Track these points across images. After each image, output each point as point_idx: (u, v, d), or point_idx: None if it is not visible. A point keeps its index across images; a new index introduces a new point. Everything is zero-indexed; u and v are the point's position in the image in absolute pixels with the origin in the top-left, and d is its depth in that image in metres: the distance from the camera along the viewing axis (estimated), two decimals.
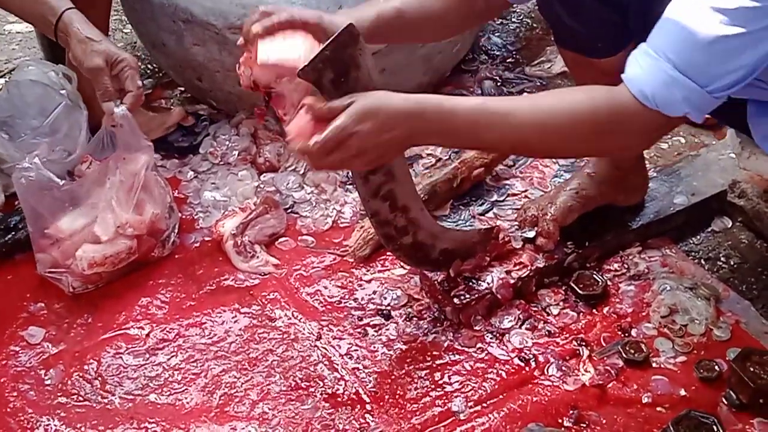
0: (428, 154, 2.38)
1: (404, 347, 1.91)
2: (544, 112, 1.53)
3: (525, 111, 1.53)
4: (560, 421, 1.75)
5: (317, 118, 1.50)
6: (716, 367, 1.81)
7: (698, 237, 2.15)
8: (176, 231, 2.18)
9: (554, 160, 2.35)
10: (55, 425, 1.79)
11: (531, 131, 1.53)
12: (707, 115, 1.81)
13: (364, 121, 1.48)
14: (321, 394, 1.83)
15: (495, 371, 1.85)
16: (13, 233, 2.15)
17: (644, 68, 1.47)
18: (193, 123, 2.50)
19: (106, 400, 1.84)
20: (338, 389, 1.83)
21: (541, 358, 1.87)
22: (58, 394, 1.85)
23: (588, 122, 1.51)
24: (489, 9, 1.91)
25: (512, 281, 1.97)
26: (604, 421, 1.75)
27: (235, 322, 2.00)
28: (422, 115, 1.51)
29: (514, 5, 1.84)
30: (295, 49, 1.62)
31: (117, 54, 1.95)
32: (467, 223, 2.19)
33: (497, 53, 2.84)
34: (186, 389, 1.85)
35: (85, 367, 1.90)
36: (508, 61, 2.80)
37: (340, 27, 1.57)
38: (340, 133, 1.47)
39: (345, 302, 2.03)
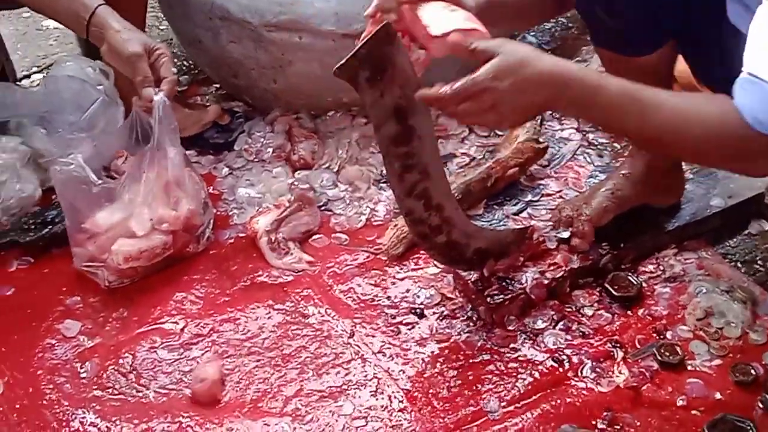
0: (463, 153, 2.38)
1: (437, 346, 1.91)
2: (687, 117, 1.49)
3: (666, 110, 1.49)
4: (594, 422, 1.73)
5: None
6: (752, 371, 1.79)
7: (735, 240, 2.14)
8: (211, 227, 2.19)
9: (590, 160, 2.34)
10: (90, 418, 1.80)
11: (666, 132, 1.51)
12: None
13: (504, 78, 1.47)
14: (353, 392, 1.83)
15: (528, 372, 1.84)
16: (50, 227, 2.17)
17: (753, 95, 1.43)
18: (228, 120, 2.50)
19: (140, 394, 1.85)
20: (371, 387, 1.84)
21: (575, 360, 1.86)
22: (94, 387, 1.86)
23: (725, 141, 1.48)
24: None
25: (546, 282, 1.96)
26: (638, 424, 1.73)
27: (268, 318, 2.00)
28: (566, 85, 1.49)
29: None
30: (458, 18, 1.59)
31: (153, 42, 1.98)
32: (501, 223, 2.19)
33: None
34: (220, 384, 1.86)
35: (120, 360, 1.91)
36: None
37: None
38: (474, 86, 1.47)
39: (378, 300, 2.03)
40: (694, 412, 1.75)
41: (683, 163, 2.14)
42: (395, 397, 1.81)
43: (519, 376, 1.84)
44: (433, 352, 1.90)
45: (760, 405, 1.74)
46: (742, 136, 1.45)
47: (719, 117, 1.47)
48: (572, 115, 1.74)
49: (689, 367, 1.83)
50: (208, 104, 2.62)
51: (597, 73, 1.54)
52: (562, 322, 1.94)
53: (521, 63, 1.48)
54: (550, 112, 2.46)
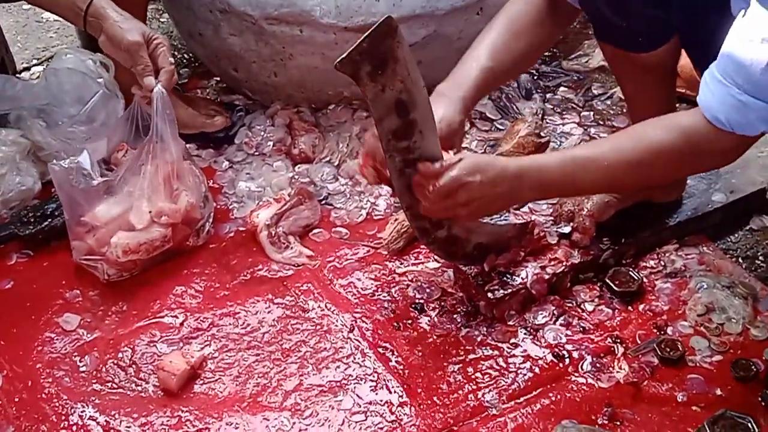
0: (464, 148, 2.36)
1: (437, 341, 1.91)
2: (627, 152, 1.66)
3: (610, 155, 1.67)
4: (594, 418, 1.73)
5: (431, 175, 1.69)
6: (753, 367, 1.79)
7: (736, 235, 2.13)
8: (211, 220, 2.18)
9: None
10: (89, 412, 1.80)
11: (620, 172, 1.69)
12: None
13: (475, 174, 1.67)
14: (353, 386, 1.83)
15: (528, 367, 1.84)
16: (49, 220, 2.16)
17: (715, 94, 1.51)
18: (230, 122, 2.49)
19: (140, 388, 1.84)
20: (371, 382, 1.83)
21: (575, 355, 1.85)
22: (93, 381, 1.86)
23: (669, 152, 1.63)
24: (564, 19, 1.96)
25: (547, 277, 1.96)
26: (638, 419, 1.73)
27: (268, 312, 2.00)
28: (521, 175, 1.69)
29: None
30: None
31: (152, 32, 1.98)
32: (502, 218, 2.17)
33: None
34: (219, 379, 1.86)
35: (120, 354, 1.91)
36: (545, 54, 2.78)
37: (454, 121, 1.78)
38: (454, 182, 1.67)
39: (378, 295, 2.02)
40: (694, 407, 1.75)
41: None
42: (395, 392, 1.81)
43: (519, 371, 1.84)
44: (433, 346, 1.90)
45: (761, 401, 1.74)
46: (699, 137, 1.57)
47: (665, 132, 1.62)
48: (537, 198, 1.98)
49: (690, 363, 1.83)
50: (209, 98, 2.61)
51: (544, 156, 1.80)
52: (562, 318, 1.93)
53: (485, 163, 1.69)
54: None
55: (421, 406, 1.78)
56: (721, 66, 1.51)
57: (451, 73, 1.87)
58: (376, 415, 1.77)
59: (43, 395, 1.83)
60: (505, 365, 1.85)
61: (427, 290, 2.02)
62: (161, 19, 3.07)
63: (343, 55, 1.56)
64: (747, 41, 1.46)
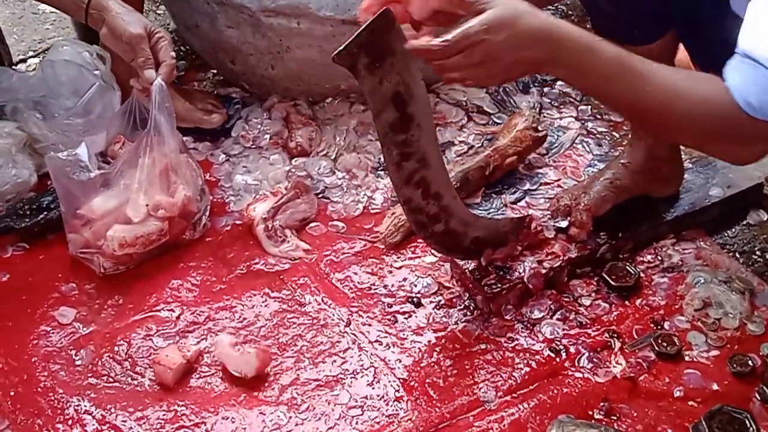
0: (461, 141, 2.37)
1: (434, 335, 1.91)
2: (676, 91, 1.46)
3: (660, 82, 1.46)
4: (591, 413, 1.73)
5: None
6: (750, 362, 1.79)
7: (733, 230, 2.13)
8: (207, 214, 2.17)
9: (588, 149, 2.33)
10: (85, 406, 1.79)
11: (658, 104, 1.47)
12: None
13: (497, 31, 1.40)
14: (350, 381, 1.82)
15: (525, 361, 1.84)
16: (45, 213, 2.15)
17: (746, 77, 1.40)
18: (227, 117, 2.48)
19: (135, 382, 1.84)
20: (367, 376, 1.83)
21: (572, 349, 1.85)
22: (89, 374, 1.86)
23: (710, 120, 1.45)
24: None
25: (544, 271, 1.96)
26: (635, 414, 1.73)
27: (265, 306, 1.99)
28: (559, 44, 1.44)
29: None
30: None
31: (153, 25, 1.98)
32: (499, 212, 2.18)
33: None
34: (215, 373, 1.85)
35: (116, 348, 1.90)
36: None
37: None
38: (466, 39, 1.41)
39: (375, 289, 2.02)
40: (691, 403, 1.75)
41: (682, 153, 2.13)
42: (392, 387, 1.81)
43: (516, 365, 1.83)
44: (429, 341, 1.90)
45: (758, 396, 1.74)
46: (730, 118, 1.42)
47: (709, 95, 1.44)
48: (563, 76, 1.65)
49: (687, 358, 1.83)
50: (206, 90, 2.60)
51: (592, 36, 1.48)
52: (559, 312, 1.93)
53: (516, 17, 1.41)
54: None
55: (418, 401, 1.78)
56: (749, 46, 1.40)
57: None
58: (373, 410, 1.77)
59: (39, 389, 1.83)
60: (501, 360, 1.85)
61: (424, 284, 2.01)
62: (158, 11, 3.06)
63: (341, 48, 1.55)
64: None
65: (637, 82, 1.45)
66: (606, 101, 1.73)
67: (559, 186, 2.23)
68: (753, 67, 1.39)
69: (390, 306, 1.97)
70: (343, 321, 1.95)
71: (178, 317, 1.97)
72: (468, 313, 1.94)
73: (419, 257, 2.08)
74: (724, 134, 1.47)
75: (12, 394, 1.82)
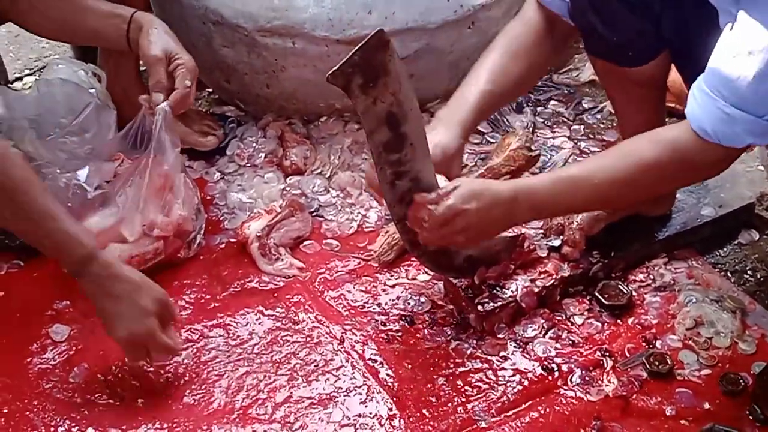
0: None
1: (427, 353, 1.91)
2: (615, 169, 1.70)
3: (598, 172, 1.70)
4: (583, 431, 1.74)
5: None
6: (741, 381, 1.80)
7: (725, 249, 2.14)
8: (202, 232, 2.18)
9: None
10: (78, 424, 1.79)
11: (609, 190, 1.71)
12: None
13: (471, 201, 1.70)
14: (343, 399, 1.83)
15: (518, 380, 1.84)
16: None
17: (702, 106, 1.54)
18: (222, 139, 2.49)
19: (129, 400, 1.84)
20: (360, 394, 1.83)
21: (564, 368, 1.86)
22: (82, 392, 1.85)
23: (656, 166, 1.65)
24: (561, 39, 1.96)
25: (537, 290, 1.96)
26: None
27: (259, 324, 2.00)
28: (515, 199, 1.71)
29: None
30: None
31: (177, 51, 1.99)
32: None
33: None
34: (209, 390, 1.85)
35: (110, 365, 1.90)
36: None
37: (450, 147, 1.80)
38: (450, 210, 1.70)
39: (369, 307, 2.02)
40: (682, 421, 1.75)
41: None
42: (385, 405, 1.81)
43: (508, 384, 1.84)
44: (422, 359, 1.90)
45: (749, 415, 1.74)
46: (686, 150, 1.60)
47: (651, 146, 1.65)
48: (533, 219, 1.95)
49: (678, 377, 1.83)
50: (202, 110, 2.61)
51: (536, 179, 1.82)
52: (552, 331, 1.94)
53: (481, 188, 1.72)
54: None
55: (411, 419, 1.78)
56: (708, 79, 1.53)
57: (451, 98, 1.89)
58: (366, 428, 1.77)
59: (33, 406, 1.83)
60: (494, 378, 1.85)
61: (418, 303, 2.02)
62: None
63: (335, 68, 1.56)
64: (733, 54, 1.48)
65: (582, 186, 1.71)
66: (579, 212, 1.98)
67: None
68: (709, 97, 1.52)
69: (383, 324, 1.98)
70: (336, 339, 1.95)
71: None
72: (461, 332, 1.95)
73: (413, 276, 2.09)
74: (692, 164, 1.63)
75: (5, 411, 1.82)
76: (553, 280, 1.98)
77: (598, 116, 2.57)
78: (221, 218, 2.27)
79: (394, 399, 1.82)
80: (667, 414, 1.76)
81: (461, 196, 1.70)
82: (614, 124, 2.46)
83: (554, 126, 2.53)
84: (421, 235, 1.77)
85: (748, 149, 1.66)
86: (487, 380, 1.85)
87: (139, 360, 1.82)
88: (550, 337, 1.92)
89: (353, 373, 1.88)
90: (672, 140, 1.62)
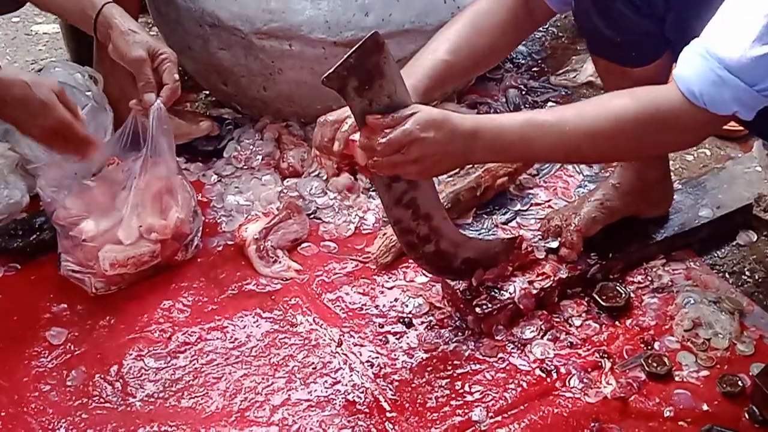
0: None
1: (425, 356, 1.91)
2: (591, 119, 1.58)
3: (572, 120, 1.58)
4: None
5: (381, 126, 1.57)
6: (739, 382, 1.80)
7: (723, 250, 2.14)
8: (199, 235, 2.18)
9: (579, 170, 2.34)
10: (76, 427, 1.79)
11: (581, 138, 1.59)
12: (738, 126, 1.80)
13: (429, 129, 1.56)
14: (341, 401, 1.82)
15: (516, 382, 1.84)
16: (37, 234, 2.16)
17: (694, 67, 1.49)
18: (218, 131, 2.49)
19: (127, 403, 1.83)
20: (358, 396, 1.83)
21: (562, 370, 1.86)
22: (80, 395, 1.85)
23: (634, 122, 1.56)
24: (534, 22, 1.92)
25: (535, 291, 1.96)
26: None
27: (256, 326, 2.00)
28: (476, 133, 1.59)
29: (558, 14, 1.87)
30: None
31: (158, 47, 1.97)
32: (490, 232, 2.19)
33: (522, 62, 2.83)
34: (207, 393, 1.85)
35: (107, 369, 1.90)
36: (533, 69, 2.80)
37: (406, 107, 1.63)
38: (407, 136, 1.56)
39: (366, 309, 2.02)
40: (681, 423, 1.75)
41: (672, 174, 2.14)
42: (383, 407, 1.81)
43: (507, 386, 1.84)
44: (421, 361, 1.90)
45: (747, 416, 1.74)
46: (668, 109, 1.53)
47: (632, 100, 1.56)
48: (492, 160, 1.88)
49: (677, 378, 1.83)
50: (198, 111, 2.61)
51: (504, 116, 1.63)
52: (550, 332, 1.94)
53: (442, 118, 1.58)
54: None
55: (409, 421, 1.78)
56: (704, 41, 1.49)
57: (405, 65, 1.80)
58: (364, 430, 1.76)
59: (30, 410, 1.82)
60: (492, 380, 1.85)
61: (416, 305, 2.02)
62: (150, 33, 3.07)
63: (330, 71, 1.56)
64: (736, 18, 1.45)
65: (552, 130, 1.59)
66: (543, 160, 1.91)
67: (549, 207, 2.24)
68: (704, 58, 1.48)
69: (381, 326, 1.98)
70: (334, 341, 1.95)
71: (169, 338, 1.97)
72: (459, 334, 1.95)
73: (411, 278, 2.09)
74: (672, 125, 1.56)
75: (3, 414, 1.81)
76: (551, 282, 1.98)
77: None
78: (218, 221, 2.27)
79: (393, 401, 1.82)
80: (666, 415, 1.76)
81: (420, 122, 1.56)
82: None
83: None
84: (371, 161, 1.60)
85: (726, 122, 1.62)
86: (486, 382, 1.85)
87: (64, 152, 1.91)
88: (549, 339, 1.92)
89: (351, 375, 1.87)
90: (656, 98, 1.56)
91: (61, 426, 1.79)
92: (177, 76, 1.98)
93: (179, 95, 2.02)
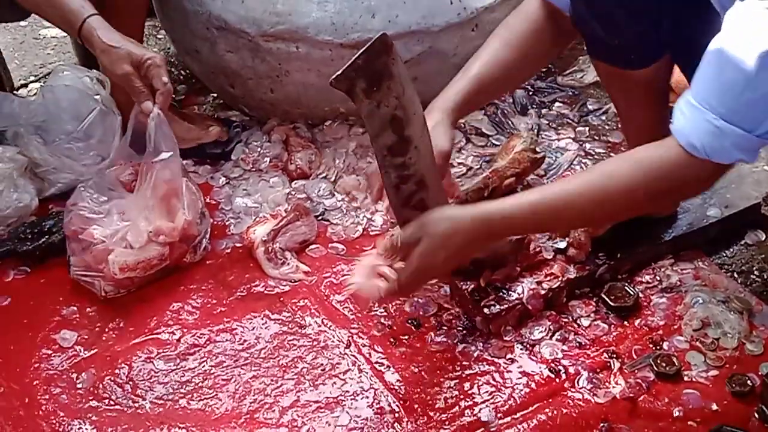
0: (459, 163, 2.38)
1: (434, 356, 1.91)
2: (600, 194, 1.59)
3: (582, 197, 1.60)
4: None
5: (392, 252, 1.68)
6: (749, 382, 1.79)
7: (731, 250, 2.14)
8: (208, 237, 2.18)
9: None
10: (86, 429, 1.80)
11: (594, 213, 1.65)
12: None
13: (437, 254, 1.62)
14: (350, 402, 1.83)
15: (525, 382, 1.84)
16: (47, 237, 2.16)
17: (689, 119, 1.47)
18: (226, 136, 2.49)
19: (137, 405, 1.84)
20: (367, 398, 1.83)
21: (571, 370, 1.86)
22: (90, 397, 1.86)
23: (644, 189, 1.56)
24: (565, 32, 1.92)
25: (543, 292, 1.96)
26: None
27: (265, 328, 2.00)
28: (489, 231, 1.63)
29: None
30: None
31: (141, 54, 1.97)
32: None
33: None
34: (216, 395, 1.86)
35: (117, 371, 1.91)
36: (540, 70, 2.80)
37: (443, 147, 1.77)
38: (418, 275, 1.66)
39: (375, 310, 2.02)
40: (690, 423, 1.75)
41: None
42: (392, 408, 1.81)
43: (515, 386, 1.84)
44: (429, 362, 1.90)
45: (757, 416, 1.74)
46: (672, 167, 1.52)
47: (636, 167, 1.57)
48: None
49: (686, 378, 1.83)
50: (206, 114, 2.62)
51: (511, 203, 1.64)
52: (558, 333, 1.94)
53: (447, 236, 1.61)
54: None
55: (418, 422, 1.78)
56: (696, 91, 1.48)
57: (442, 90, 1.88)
58: (373, 431, 1.77)
59: (40, 412, 1.83)
60: (501, 381, 1.85)
61: (424, 306, 2.02)
62: (158, 36, 3.08)
63: (339, 72, 1.56)
64: (723, 65, 1.44)
65: (565, 211, 1.61)
66: (565, 230, 2.00)
67: None
68: (698, 109, 1.46)
69: (390, 327, 1.98)
70: (343, 343, 1.95)
71: (178, 340, 1.98)
72: (467, 334, 1.95)
73: None
74: (679, 181, 1.56)
75: (13, 417, 1.82)
76: (559, 282, 1.98)
77: (603, 118, 2.57)
78: (227, 223, 2.28)
79: (402, 402, 1.82)
80: (675, 415, 1.76)
81: (425, 254, 1.63)
82: (619, 126, 2.46)
83: (559, 128, 2.53)
84: (401, 293, 1.73)
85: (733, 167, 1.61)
86: (494, 383, 1.85)
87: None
88: (557, 339, 1.92)
89: (360, 376, 1.88)
90: (657, 159, 1.55)
91: (71, 428, 1.80)
92: (166, 79, 1.99)
93: (172, 96, 2.04)
